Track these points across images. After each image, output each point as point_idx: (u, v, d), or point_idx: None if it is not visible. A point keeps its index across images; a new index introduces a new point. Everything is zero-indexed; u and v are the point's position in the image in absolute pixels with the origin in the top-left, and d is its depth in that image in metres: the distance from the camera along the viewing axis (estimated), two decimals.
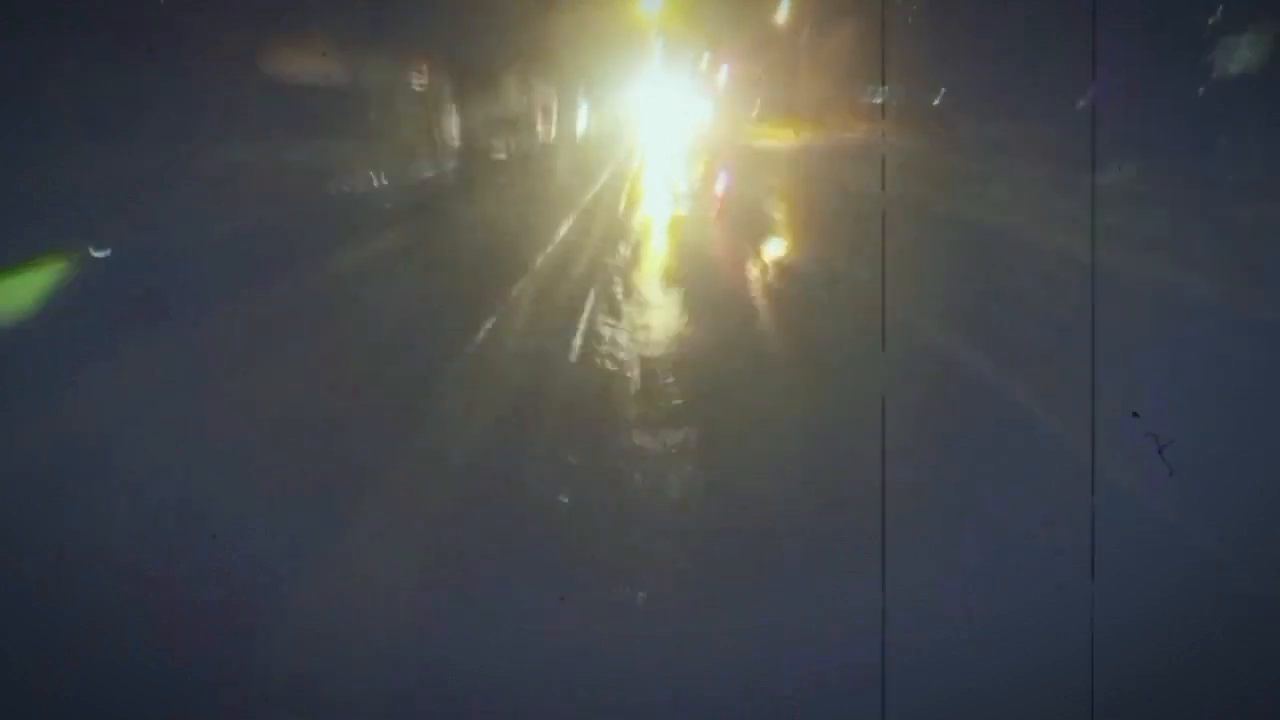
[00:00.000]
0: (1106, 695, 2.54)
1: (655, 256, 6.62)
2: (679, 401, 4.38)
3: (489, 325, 4.93)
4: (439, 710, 2.49)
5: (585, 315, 5.41)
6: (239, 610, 2.72)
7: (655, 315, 5.51)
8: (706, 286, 6.00)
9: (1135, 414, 3.08)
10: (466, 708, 2.50)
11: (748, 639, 2.70)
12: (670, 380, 4.68)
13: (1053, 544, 3.05)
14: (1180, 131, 3.44)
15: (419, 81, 4.80)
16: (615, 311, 5.49)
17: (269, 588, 2.80)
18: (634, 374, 4.73)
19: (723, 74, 5.46)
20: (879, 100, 3.97)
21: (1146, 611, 2.75)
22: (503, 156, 5.37)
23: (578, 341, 5.09)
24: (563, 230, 6.17)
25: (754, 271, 6.31)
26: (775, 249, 6.71)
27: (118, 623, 2.60)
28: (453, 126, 4.92)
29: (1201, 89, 3.22)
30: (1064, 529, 3.14)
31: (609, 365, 4.82)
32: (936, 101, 3.99)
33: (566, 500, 3.43)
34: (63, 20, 3.23)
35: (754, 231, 6.89)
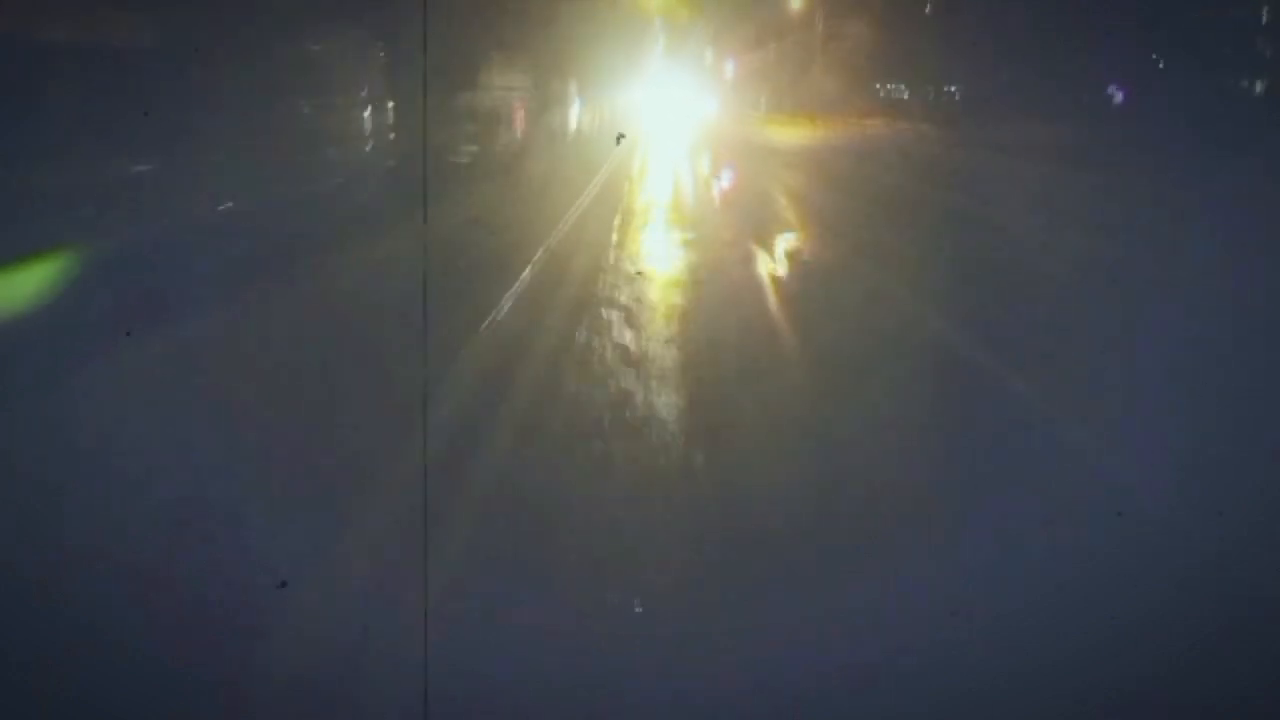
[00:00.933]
0: (1106, 695, 2.53)
1: (659, 256, 6.61)
2: (682, 399, 4.38)
3: (490, 325, 4.93)
4: (440, 710, 2.49)
5: (587, 316, 5.40)
6: (239, 610, 2.72)
7: (657, 315, 5.51)
8: (710, 286, 6.00)
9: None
10: (467, 708, 2.50)
11: (748, 639, 2.70)
12: (673, 378, 4.68)
13: (1054, 543, 3.05)
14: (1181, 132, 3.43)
15: (421, 73, 4.77)
16: (617, 313, 5.48)
17: (269, 588, 2.80)
18: (635, 374, 4.73)
19: (730, 68, 5.44)
20: (893, 97, 3.95)
21: (1147, 611, 2.75)
22: (507, 149, 5.36)
23: (579, 343, 5.09)
24: (565, 228, 6.15)
25: (758, 270, 6.31)
26: (779, 246, 6.70)
27: (118, 623, 2.60)
28: (457, 120, 4.90)
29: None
30: (1064, 529, 3.14)
31: (610, 366, 4.81)
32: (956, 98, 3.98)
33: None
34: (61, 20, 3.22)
35: (758, 228, 6.87)
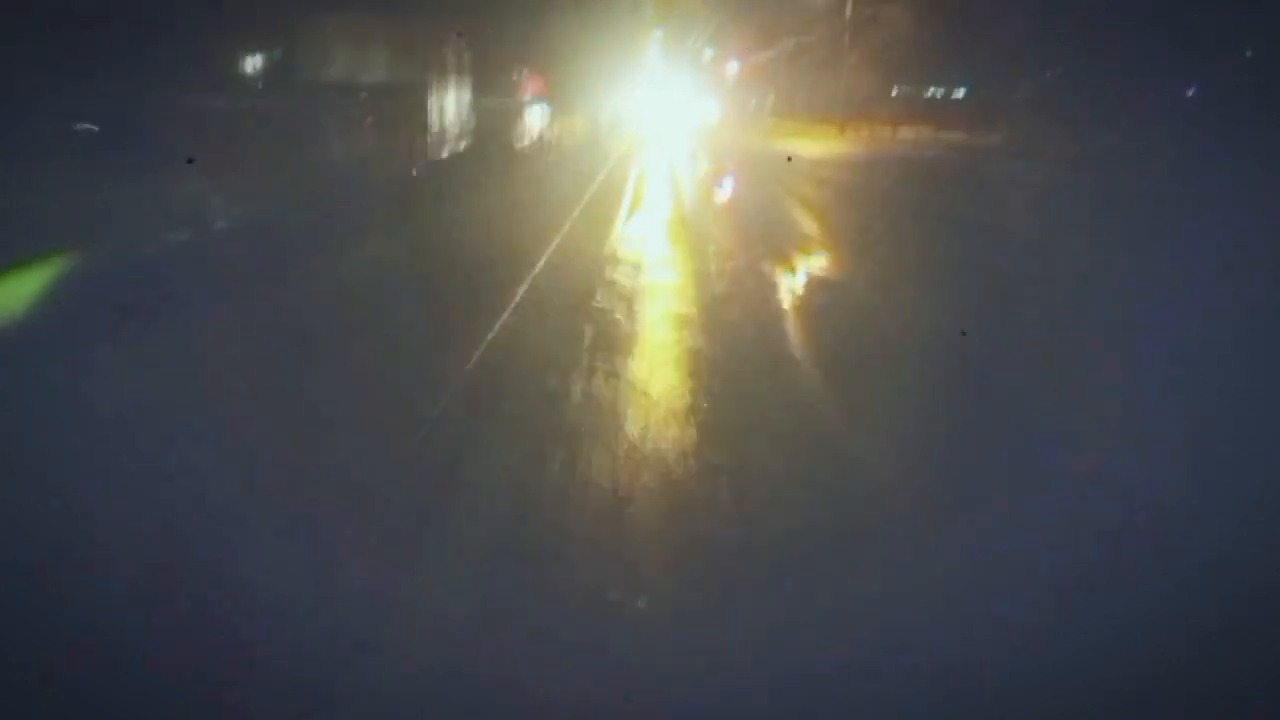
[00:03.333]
0: (1107, 695, 2.53)
1: (662, 259, 6.62)
2: (682, 401, 4.39)
3: (492, 326, 4.93)
4: (440, 710, 2.49)
5: (589, 317, 5.40)
6: (239, 610, 2.72)
7: (659, 316, 5.52)
8: (711, 288, 6.00)
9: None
10: (467, 708, 2.50)
11: (747, 639, 2.70)
12: (674, 380, 4.68)
13: (1054, 543, 3.05)
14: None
15: (424, 74, 4.76)
16: (620, 314, 5.48)
17: (269, 588, 2.80)
18: (636, 375, 4.73)
19: (735, 69, 5.44)
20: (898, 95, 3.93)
21: (1147, 611, 2.75)
22: (515, 149, 5.34)
23: (580, 343, 5.09)
24: (567, 229, 6.15)
25: (760, 271, 6.31)
26: (782, 249, 6.69)
27: (118, 623, 2.60)
28: (458, 121, 4.89)
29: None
30: (1064, 529, 3.14)
31: (612, 367, 4.82)
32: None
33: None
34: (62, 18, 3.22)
35: (760, 230, 6.86)
